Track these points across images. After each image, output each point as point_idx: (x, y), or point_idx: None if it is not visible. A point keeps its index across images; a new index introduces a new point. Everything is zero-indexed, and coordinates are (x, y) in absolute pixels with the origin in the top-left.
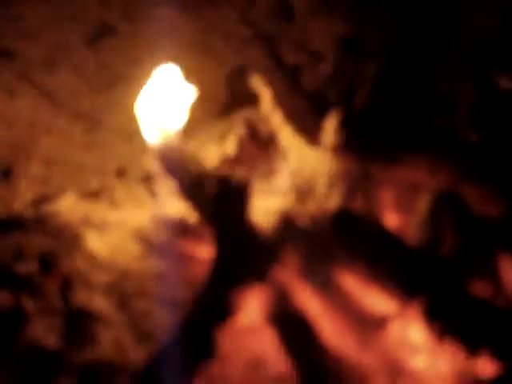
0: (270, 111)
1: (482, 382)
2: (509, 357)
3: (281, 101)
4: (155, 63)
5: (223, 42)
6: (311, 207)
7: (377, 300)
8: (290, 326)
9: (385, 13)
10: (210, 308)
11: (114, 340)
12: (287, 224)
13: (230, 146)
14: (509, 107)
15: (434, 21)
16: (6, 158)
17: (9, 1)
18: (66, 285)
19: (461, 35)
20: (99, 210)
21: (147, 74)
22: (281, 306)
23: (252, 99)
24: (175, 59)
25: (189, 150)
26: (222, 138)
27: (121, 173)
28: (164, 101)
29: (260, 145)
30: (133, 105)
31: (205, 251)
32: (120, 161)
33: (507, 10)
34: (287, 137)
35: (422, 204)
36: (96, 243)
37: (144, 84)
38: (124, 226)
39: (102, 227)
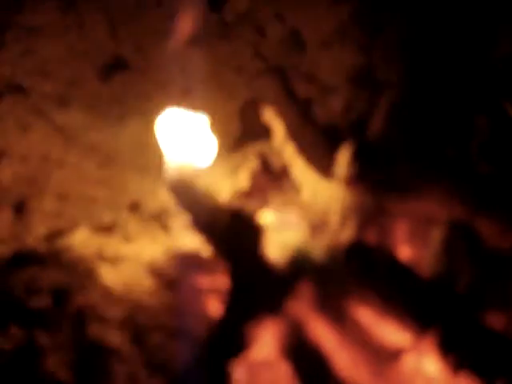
0: (282, 144)
1: None
2: None
3: (293, 133)
4: (168, 97)
5: (235, 76)
6: (325, 240)
7: (391, 332)
8: (305, 358)
9: (397, 44)
10: (224, 341)
11: (127, 374)
12: (301, 257)
13: (243, 180)
14: None
15: (447, 52)
16: (19, 192)
17: (22, 36)
18: (80, 319)
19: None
20: (112, 244)
21: (160, 108)
22: (295, 339)
23: (264, 132)
24: (187, 93)
25: (202, 184)
26: (235, 171)
27: (134, 207)
28: (180, 136)
29: (273, 178)
30: (145, 139)
31: (219, 285)
32: (133, 195)
33: None
34: (300, 169)
35: (436, 236)
36: (110, 277)
37: (156, 118)
38: (137, 260)
39: (115, 261)
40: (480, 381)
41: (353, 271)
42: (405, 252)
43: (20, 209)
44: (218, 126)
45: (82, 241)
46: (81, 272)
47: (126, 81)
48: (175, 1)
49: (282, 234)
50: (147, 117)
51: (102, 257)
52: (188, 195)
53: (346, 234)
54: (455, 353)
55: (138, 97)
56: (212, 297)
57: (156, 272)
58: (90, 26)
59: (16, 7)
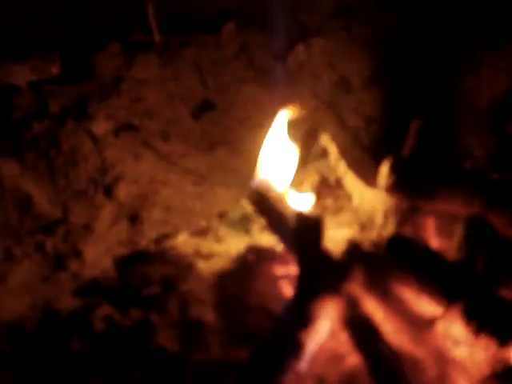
0: (336, 162)
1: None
2: None
3: (344, 154)
4: (247, 129)
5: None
6: (371, 235)
7: (426, 305)
8: (359, 328)
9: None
10: (296, 316)
11: (220, 343)
12: (353, 249)
13: (307, 192)
14: None
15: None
16: (134, 206)
17: (133, 86)
18: (183, 302)
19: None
20: (206, 244)
21: (241, 139)
22: (351, 313)
23: (322, 154)
24: (262, 126)
25: (276, 195)
26: (300, 185)
27: (222, 215)
28: (271, 159)
29: (330, 189)
30: (230, 162)
31: (290, 272)
32: (221, 206)
33: None
34: (350, 182)
35: (458, 229)
36: (205, 269)
37: (241, 148)
38: (226, 256)
39: (208, 257)
40: (496, 341)
41: (394, 259)
42: (434, 242)
43: (134, 219)
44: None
45: (182, 242)
46: (182, 266)
47: (213, 118)
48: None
49: (337, 231)
50: (231, 146)
51: (198, 254)
52: (265, 205)
53: (388, 230)
54: (476, 320)
55: (223, 131)
56: (285, 282)
57: (241, 264)
58: (183, 77)
59: (128, 65)
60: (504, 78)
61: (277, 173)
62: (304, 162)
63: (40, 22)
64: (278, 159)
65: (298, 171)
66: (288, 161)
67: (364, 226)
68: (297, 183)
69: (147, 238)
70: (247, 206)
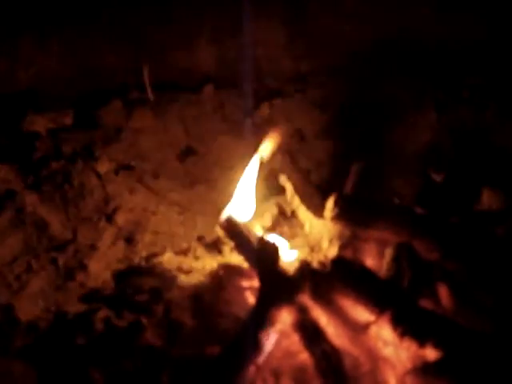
0: (291, 198)
1: (429, 362)
2: (446, 346)
3: (298, 191)
4: (222, 170)
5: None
6: (319, 256)
7: (361, 313)
8: (308, 331)
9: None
10: (257, 320)
11: (193, 338)
12: (304, 267)
13: (268, 220)
14: (441, 192)
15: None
16: (129, 230)
17: (130, 134)
18: (168, 308)
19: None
20: (187, 262)
21: (217, 178)
22: (302, 318)
23: (281, 190)
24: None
25: (242, 224)
26: (262, 215)
27: (200, 238)
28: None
29: (286, 218)
30: (207, 197)
31: (253, 284)
32: (200, 231)
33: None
34: (303, 213)
35: (389, 253)
36: (185, 282)
37: (216, 185)
38: (202, 271)
39: (188, 272)
40: (416, 342)
41: (337, 275)
42: (369, 263)
43: (130, 240)
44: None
45: (168, 260)
46: (167, 279)
47: (194, 161)
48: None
49: (291, 253)
50: (209, 183)
51: (180, 269)
52: (235, 232)
53: (332, 252)
54: (402, 325)
55: (202, 171)
56: (249, 292)
57: (214, 278)
58: (171, 128)
59: (126, 117)
60: (425, 132)
61: (244, 205)
62: (266, 197)
63: (57, 84)
64: (245, 194)
65: (261, 204)
66: (252, 196)
67: (313, 249)
68: (260, 214)
69: (139, 256)
70: (220, 232)
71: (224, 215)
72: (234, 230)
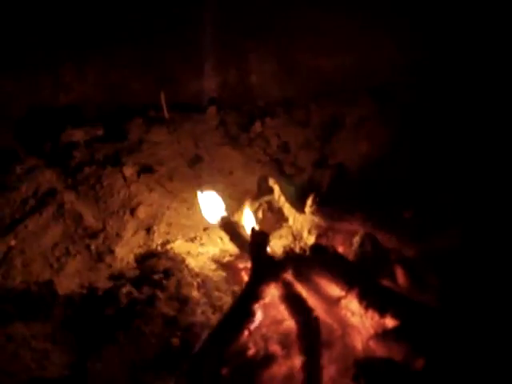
0: (278, 197)
1: (388, 329)
2: (402, 316)
3: (283, 191)
4: (223, 175)
5: (255, 164)
6: (300, 244)
7: (334, 289)
8: (292, 302)
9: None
10: (250, 293)
11: (202, 312)
12: (288, 252)
13: (259, 215)
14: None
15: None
16: (149, 223)
17: (150, 146)
18: (178, 285)
19: None
20: (194, 248)
21: (219, 181)
22: (287, 292)
23: (270, 191)
24: (230, 174)
25: (238, 221)
26: (255, 212)
27: (205, 229)
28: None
29: (274, 214)
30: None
31: (247, 265)
32: (205, 224)
33: None
34: (287, 209)
35: (356, 241)
36: (193, 264)
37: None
38: (207, 255)
39: (196, 256)
40: (378, 313)
41: (314, 259)
42: (341, 249)
43: (148, 230)
44: (245, 189)
45: (179, 246)
46: (178, 261)
47: (202, 167)
48: (228, 126)
49: (278, 241)
50: (212, 186)
51: (189, 254)
52: (230, 227)
53: (311, 240)
54: (366, 299)
55: (207, 175)
56: (245, 273)
57: (216, 260)
58: (183, 141)
59: (147, 132)
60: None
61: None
62: (257, 196)
63: (91, 105)
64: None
65: (254, 202)
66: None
67: (296, 238)
68: (252, 209)
69: (156, 242)
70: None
71: (222, 214)
72: (228, 227)
